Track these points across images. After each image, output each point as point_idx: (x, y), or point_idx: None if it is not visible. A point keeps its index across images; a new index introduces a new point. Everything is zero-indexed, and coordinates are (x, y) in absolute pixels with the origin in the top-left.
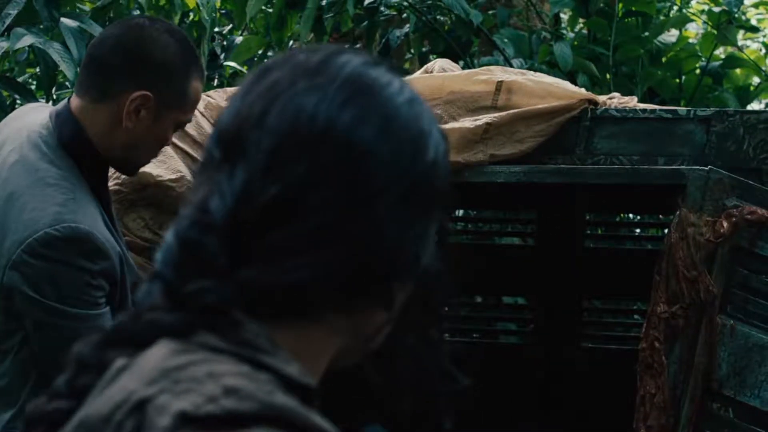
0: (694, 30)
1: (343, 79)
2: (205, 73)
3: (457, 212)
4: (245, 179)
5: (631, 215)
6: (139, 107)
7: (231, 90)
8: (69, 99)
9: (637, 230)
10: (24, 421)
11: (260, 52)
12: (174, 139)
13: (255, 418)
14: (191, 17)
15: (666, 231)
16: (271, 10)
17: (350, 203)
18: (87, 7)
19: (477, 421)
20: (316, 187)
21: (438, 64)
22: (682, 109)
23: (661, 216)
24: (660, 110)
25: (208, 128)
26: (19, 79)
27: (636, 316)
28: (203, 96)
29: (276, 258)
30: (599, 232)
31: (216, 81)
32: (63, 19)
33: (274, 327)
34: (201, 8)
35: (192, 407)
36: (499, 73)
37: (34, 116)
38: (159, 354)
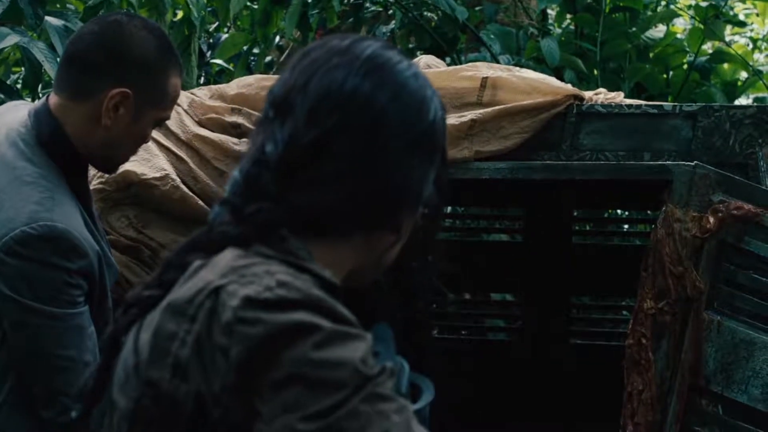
0: (682, 25)
1: (365, 58)
2: (196, 71)
3: (444, 209)
4: (291, 129)
5: (619, 211)
6: (118, 104)
7: (215, 88)
8: (48, 97)
9: (626, 226)
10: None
11: (245, 48)
12: (158, 137)
13: (299, 304)
14: (180, 15)
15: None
16: (256, 7)
17: (369, 148)
18: (74, 6)
19: (465, 417)
20: (344, 135)
21: (423, 60)
22: (667, 105)
23: (649, 212)
24: (646, 106)
25: (192, 126)
26: (8, 81)
27: (624, 312)
28: (187, 94)
29: (315, 187)
30: (587, 228)
31: (203, 78)
32: (48, 18)
33: (310, 242)
34: (191, 6)
35: (254, 293)
36: (484, 69)
37: (14, 114)
38: (228, 256)
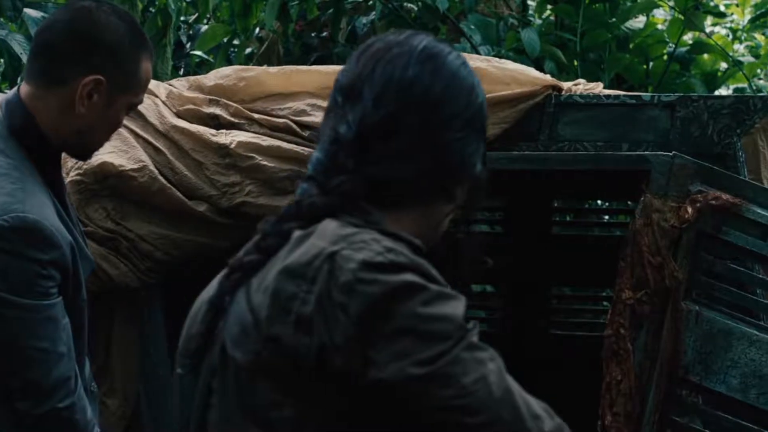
0: (662, 16)
1: (421, 49)
2: (171, 62)
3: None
4: (361, 112)
5: (599, 202)
6: (91, 91)
7: (193, 79)
8: (19, 87)
9: (606, 217)
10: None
11: (225, 39)
12: (136, 129)
13: (406, 267)
14: (157, 5)
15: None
16: None
17: (429, 127)
18: None
19: None
20: (408, 115)
21: None
22: (646, 95)
23: (629, 202)
24: (624, 96)
25: (170, 117)
26: None
27: (605, 303)
28: (165, 85)
29: (387, 162)
30: (567, 219)
31: (182, 70)
32: (26, 10)
33: (381, 212)
34: None
35: (369, 257)
36: None
37: None
38: (332, 225)
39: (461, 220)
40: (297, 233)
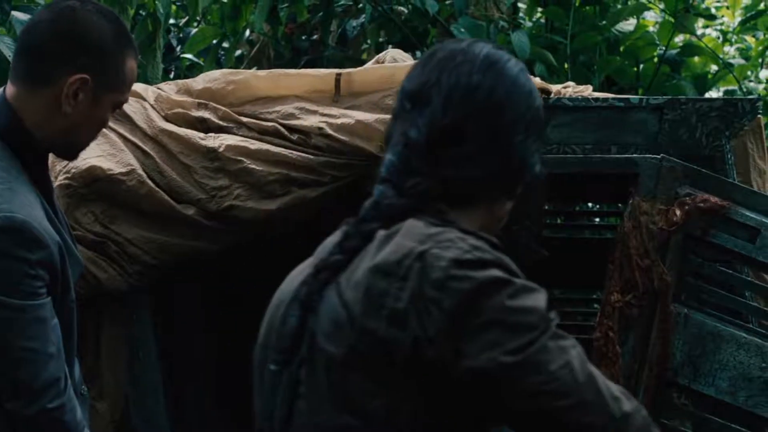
0: (652, 18)
1: (483, 57)
2: (161, 66)
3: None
4: (430, 117)
5: (590, 204)
6: (77, 91)
7: (181, 83)
8: (4, 88)
9: (597, 219)
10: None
11: (215, 42)
12: (124, 132)
13: (491, 263)
14: (148, 10)
15: None
16: (225, 1)
17: (495, 131)
18: (42, 0)
19: None
20: (474, 120)
21: (389, 54)
22: (634, 98)
23: (620, 205)
24: (612, 99)
25: (158, 121)
26: None
27: (595, 306)
28: (154, 89)
29: (458, 163)
30: (558, 221)
31: (173, 73)
32: (14, 13)
33: (453, 211)
34: (156, 1)
35: (458, 255)
36: None
37: None
38: (417, 225)
39: (519, 216)
40: (381, 233)
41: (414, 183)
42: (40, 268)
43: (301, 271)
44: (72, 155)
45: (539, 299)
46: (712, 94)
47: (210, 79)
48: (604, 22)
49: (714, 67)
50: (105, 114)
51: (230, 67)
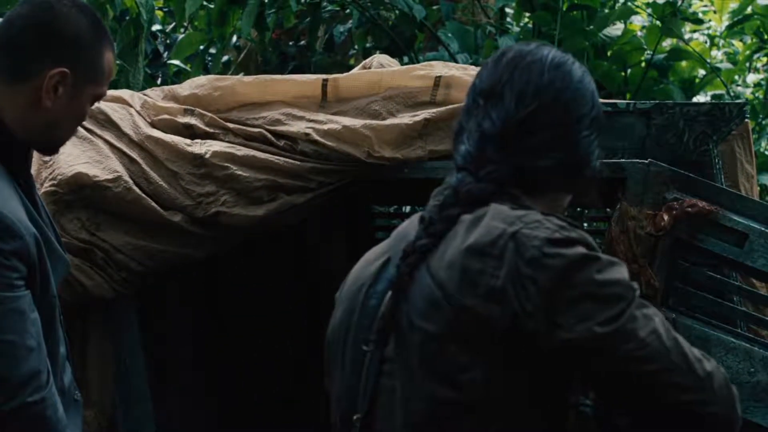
0: (639, 23)
1: (550, 59)
2: (143, 71)
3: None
4: (504, 111)
5: (577, 209)
6: (56, 84)
7: (168, 89)
8: None
9: (584, 224)
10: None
11: (202, 47)
12: (110, 139)
13: (578, 241)
14: (131, 15)
15: None
16: (213, 7)
17: (564, 125)
18: None
19: None
20: (544, 114)
21: (376, 59)
22: (621, 102)
23: (608, 210)
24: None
25: (144, 127)
26: None
27: None
28: (140, 95)
29: (529, 154)
30: None
31: (160, 79)
32: None
33: (525, 197)
34: (140, 8)
35: (548, 235)
36: (438, 68)
37: None
38: (501, 208)
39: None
40: (466, 217)
41: (489, 170)
42: (15, 258)
43: (377, 256)
44: (52, 150)
45: (623, 272)
46: (700, 98)
47: (196, 85)
48: (591, 26)
49: (701, 72)
50: (84, 107)
51: (217, 73)
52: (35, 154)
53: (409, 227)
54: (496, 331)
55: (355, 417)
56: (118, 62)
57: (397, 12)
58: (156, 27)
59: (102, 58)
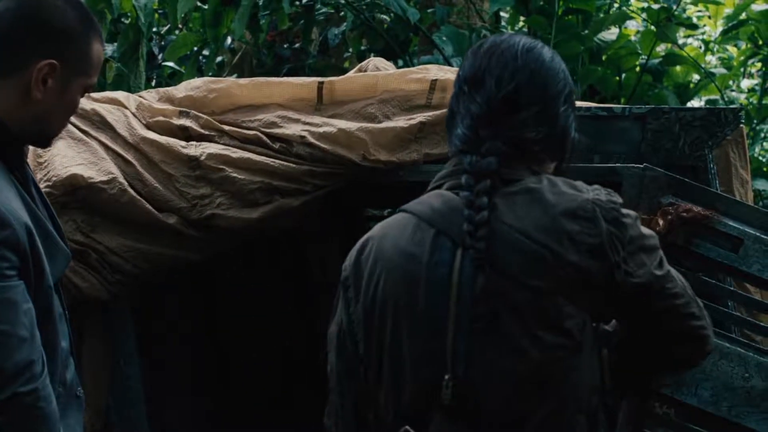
0: (634, 27)
1: (521, 45)
2: (144, 74)
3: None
4: (487, 93)
5: None
6: (46, 76)
7: (163, 91)
8: None
9: None
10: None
11: (196, 48)
12: (106, 141)
13: (622, 205)
14: (129, 20)
15: None
16: (207, 7)
17: (543, 101)
18: None
19: None
20: (525, 93)
21: (372, 62)
22: (617, 107)
23: None
24: (595, 108)
25: (139, 129)
26: None
27: None
28: (135, 97)
29: (517, 129)
30: None
31: (154, 81)
32: None
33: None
34: (138, 11)
35: (616, 199)
36: (433, 71)
37: None
38: (555, 179)
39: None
40: (511, 189)
41: (488, 147)
42: (5, 248)
43: (410, 231)
44: (44, 143)
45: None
46: (694, 103)
47: (192, 87)
48: (586, 31)
49: (696, 77)
50: (75, 98)
51: (211, 75)
52: (30, 155)
53: (443, 206)
54: (594, 282)
55: (446, 377)
56: (117, 65)
57: (391, 15)
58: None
59: (90, 48)
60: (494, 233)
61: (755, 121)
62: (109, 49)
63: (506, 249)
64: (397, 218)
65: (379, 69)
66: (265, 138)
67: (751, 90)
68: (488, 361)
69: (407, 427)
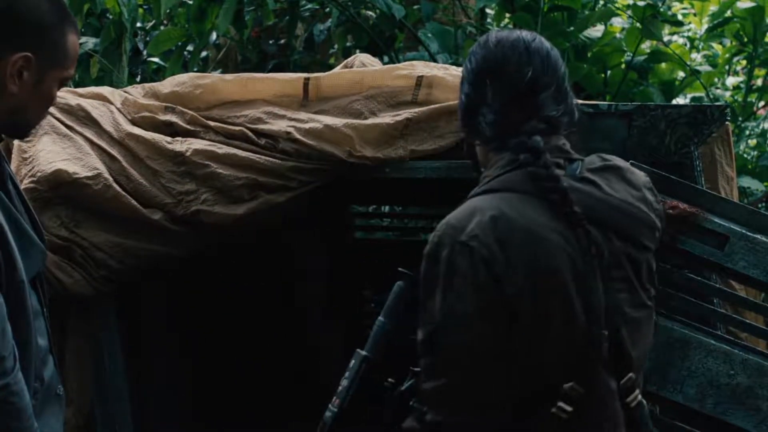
0: (620, 24)
1: (524, 38)
2: (127, 70)
3: (383, 208)
4: (511, 79)
5: None
6: (21, 69)
7: (148, 86)
8: None
9: None
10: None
11: (180, 44)
12: (91, 136)
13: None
14: (113, 15)
15: None
16: (191, 3)
17: (556, 83)
18: None
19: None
20: (543, 74)
21: (358, 59)
22: (603, 104)
23: None
24: (581, 105)
25: (125, 125)
26: None
27: None
28: (120, 92)
29: (542, 108)
30: None
31: (139, 76)
32: None
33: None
34: (122, 7)
35: (627, 164)
36: (419, 68)
37: None
38: (612, 157)
39: None
40: (600, 165)
41: (526, 128)
42: None
43: (525, 203)
44: (22, 134)
45: None
46: (679, 100)
47: (177, 82)
48: (571, 28)
49: (681, 74)
50: (51, 91)
51: (195, 69)
52: (15, 151)
53: (523, 180)
54: (648, 256)
55: (605, 333)
56: (101, 60)
57: (377, 11)
58: (135, 25)
59: (66, 40)
60: (604, 203)
61: (740, 119)
62: (92, 42)
63: (619, 216)
64: (498, 197)
65: (365, 65)
66: (250, 134)
67: (737, 87)
68: (628, 315)
69: None
